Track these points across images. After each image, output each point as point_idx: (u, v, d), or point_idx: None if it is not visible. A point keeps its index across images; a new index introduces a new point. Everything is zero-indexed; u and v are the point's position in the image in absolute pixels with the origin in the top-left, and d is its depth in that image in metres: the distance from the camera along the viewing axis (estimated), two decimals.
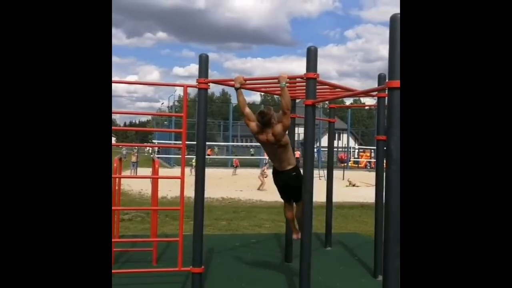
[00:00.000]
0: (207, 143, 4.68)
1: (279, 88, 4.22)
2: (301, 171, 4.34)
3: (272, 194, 14.26)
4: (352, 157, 36.16)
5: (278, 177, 4.55)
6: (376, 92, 5.02)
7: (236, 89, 4.36)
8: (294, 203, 4.64)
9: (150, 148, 32.76)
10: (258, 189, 16.11)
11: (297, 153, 24.60)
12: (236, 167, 25.01)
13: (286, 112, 4.15)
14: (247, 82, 4.59)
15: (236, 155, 31.21)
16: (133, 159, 21.39)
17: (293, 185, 4.44)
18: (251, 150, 36.21)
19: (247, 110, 4.50)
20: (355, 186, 18.34)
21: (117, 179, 5.40)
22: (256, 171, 21.10)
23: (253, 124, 4.41)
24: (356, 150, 38.99)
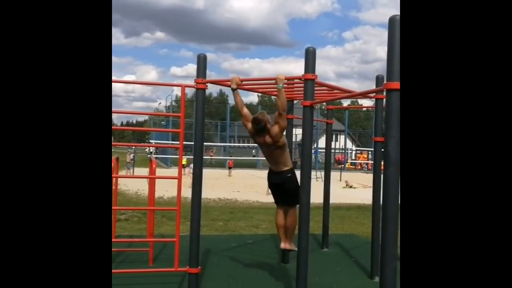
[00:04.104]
0: (204, 143, 4.67)
1: (276, 89, 4.22)
2: (297, 174, 4.32)
3: (269, 195, 14.27)
4: (349, 158, 36.18)
5: (272, 177, 4.54)
6: (374, 94, 5.02)
7: (233, 90, 4.34)
8: (286, 211, 4.57)
9: (149, 148, 32.76)
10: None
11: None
12: (230, 168, 24.89)
13: (281, 114, 4.15)
14: (245, 83, 4.59)
15: (231, 156, 31.05)
16: (128, 159, 21.22)
17: (286, 187, 4.44)
18: (253, 151, 35.90)
19: (245, 110, 4.50)
20: (352, 188, 18.36)
21: (113, 178, 5.38)
22: (254, 172, 21.11)
23: (251, 125, 4.41)
24: (353, 152, 39.00)
